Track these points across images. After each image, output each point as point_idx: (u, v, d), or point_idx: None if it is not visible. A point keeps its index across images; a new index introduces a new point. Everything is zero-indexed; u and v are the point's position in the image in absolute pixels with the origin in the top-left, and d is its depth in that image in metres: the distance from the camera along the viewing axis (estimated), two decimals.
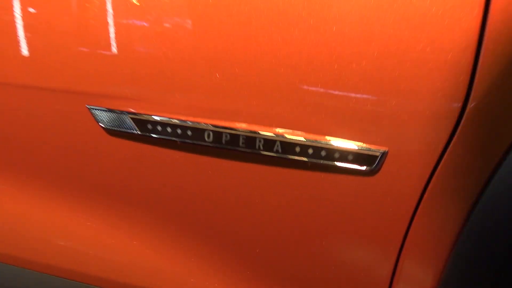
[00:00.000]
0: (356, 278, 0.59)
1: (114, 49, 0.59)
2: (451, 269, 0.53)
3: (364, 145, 0.52)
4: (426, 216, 0.53)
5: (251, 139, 0.55)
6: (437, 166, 0.50)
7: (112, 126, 0.62)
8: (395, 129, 0.50)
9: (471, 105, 0.47)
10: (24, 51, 0.63)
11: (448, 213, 0.52)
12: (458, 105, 0.47)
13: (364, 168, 0.52)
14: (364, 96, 0.50)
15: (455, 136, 0.48)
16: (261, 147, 0.56)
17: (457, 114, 0.48)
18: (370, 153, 0.51)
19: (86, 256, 0.72)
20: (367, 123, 0.51)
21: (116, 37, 0.58)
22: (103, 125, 0.62)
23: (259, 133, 0.55)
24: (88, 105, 0.63)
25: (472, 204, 0.50)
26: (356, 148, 0.52)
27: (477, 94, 0.47)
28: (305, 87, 0.52)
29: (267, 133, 0.55)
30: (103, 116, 0.62)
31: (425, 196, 0.52)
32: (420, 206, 0.52)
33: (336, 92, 0.51)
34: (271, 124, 0.55)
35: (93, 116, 0.63)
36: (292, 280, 0.64)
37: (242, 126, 0.56)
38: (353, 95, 0.51)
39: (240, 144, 0.56)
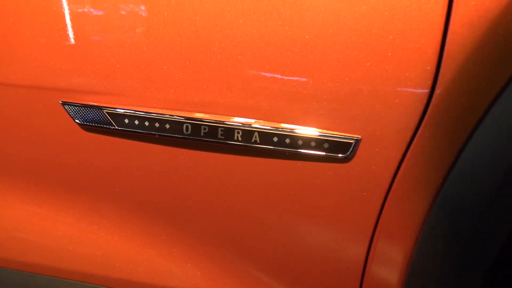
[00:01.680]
0: (332, 258, 0.62)
1: (85, 42, 0.58)
2: (421, 247, 0.57)
3: (339, 133, 0.54)
4: (398, 197, 0.56)
5: (229, 130, 0.57)
6: (407, 150, 0.53)
7: (88, 122, 0.61)
8: (368, 117, 0.53)
9: (437, 91, 0.50)
10: None
11: (418, 194, 0.55)
12: (425, 92, 0.50)
13: (339, 155, 0.55)
14: (338, 86, 0.52)
15: (423, 122, 0.51)
16: (239, 138, 0.57)
17: (424, 101, 0.50)
18: (345, 140, 0.54)
19: (62, 251, 0.72)
20: (341, 112, 0.53)
21: (87, 30, 0.57)
22: (78, 121, 0.62)
23: (236, 125, 0.56)
24: (61, 100, 0.62)
25: (439, 185, 0.53)
26: (331, 136, 0.54)
27: (442, 82, 0.49)
28: (279, 78, 0.54)
29: (244, 124, 0.56)
30: (78, 111, 0.61)
31: (396, 179, 0.55)
32: (392, 189, 0.55)
33: (310, 83, 0.53)
34: (249, 116, 0.56)
35: (67, 112, 0.62)
36: (272, 260, 0.66)
37: (219, 118, 0.57)
38: (327, 85, 0.53)
39: (219, 136, 0.57)
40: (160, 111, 0.58)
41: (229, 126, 0.57)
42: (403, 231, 0.58)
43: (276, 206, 0.61)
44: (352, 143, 0.54)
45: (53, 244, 0.73)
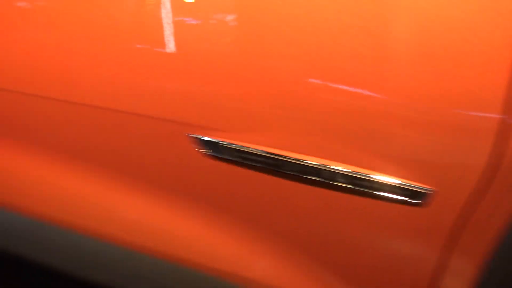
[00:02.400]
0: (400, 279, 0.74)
1: (208, 90, 0.74)
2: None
3: (414, 183, 0.64)
4: (466, 239, 0.65)
5: (323, 171, 0.69)
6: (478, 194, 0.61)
7: (209, 152, 0.78)
8: (439, 170, 0.62)
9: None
10: (127, 81, 0.79)
11: (484, 235, 0.64)
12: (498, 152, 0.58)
13: (413, 201, 0.65)
14: (416, 139, 0.62)
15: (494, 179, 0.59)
16: (327, 177, 0.69)
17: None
18: (419, 190, 0.64)
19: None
20: (416, 163, 0.63)
21: (207, 80, 0.73)
22: (201, 150, 0.78)
23: (330, 167, 0.69)
24: (187, 133, 0.79)
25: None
26: (407, 185, 0.65)
27: None
28: (364, 126, 0.64)
29: (338, 167, 0.68)
30: (201, 143, 0.78)
31: (466, 223, 0.63)
32: (461, 231, 0.64)
33: (394, 139, 0.63)
34: (344, 161, 0.68)
35: (192, 143, 0.79)
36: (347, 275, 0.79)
37: (314, 160, 0.70)
38: (408, 139, 0.63)
39: (313, 175, 0.70)
40: (259, 148, 0.73)
41: (323, 168, 0.69)
42: (469, 266, 0.67)
43: (357, 233, 0.74)
44: (425, 192, 0.63)
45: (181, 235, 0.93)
